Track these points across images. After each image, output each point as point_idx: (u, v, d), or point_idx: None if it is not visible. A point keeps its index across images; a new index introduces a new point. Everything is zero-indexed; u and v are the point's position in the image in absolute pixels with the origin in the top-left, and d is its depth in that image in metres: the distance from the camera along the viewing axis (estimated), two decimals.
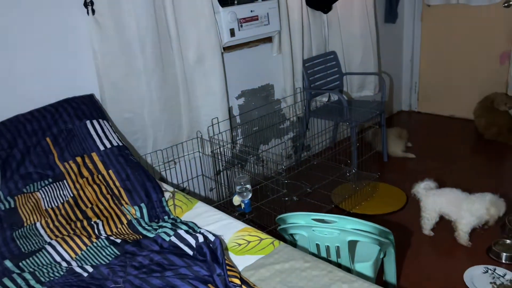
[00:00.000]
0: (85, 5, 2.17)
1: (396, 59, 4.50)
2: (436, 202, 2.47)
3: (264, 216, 2.48)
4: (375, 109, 3.36)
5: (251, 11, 2.82)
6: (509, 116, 3.71)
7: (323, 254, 1.74)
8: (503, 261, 2.27)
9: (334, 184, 3.11)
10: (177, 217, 1.76)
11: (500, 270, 2.18)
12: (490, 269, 2.20)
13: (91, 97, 2.21)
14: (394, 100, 4.57)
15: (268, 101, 3.30)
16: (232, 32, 2.74)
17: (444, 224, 2.56)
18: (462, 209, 2.38)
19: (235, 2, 2.74)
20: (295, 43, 3.21)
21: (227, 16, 2.69)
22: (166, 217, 1.77)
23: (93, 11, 2.19)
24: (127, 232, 1.68)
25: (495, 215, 2.32)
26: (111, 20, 2.24)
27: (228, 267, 1.31)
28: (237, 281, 1.26)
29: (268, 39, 3.16)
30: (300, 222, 1.77)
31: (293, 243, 1.87)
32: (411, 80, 4.61)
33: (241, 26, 2.79)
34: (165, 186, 2.02)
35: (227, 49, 2.88)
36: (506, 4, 3.78)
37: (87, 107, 2.12)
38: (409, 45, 4.49)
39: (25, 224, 1.71)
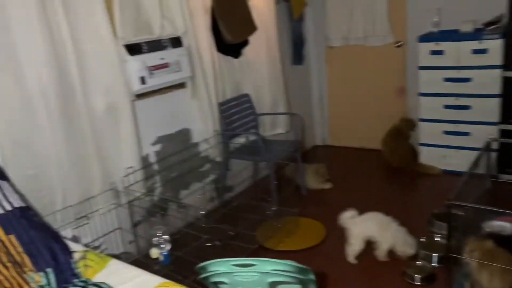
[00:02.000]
0: None
1: (307, 97, 4.76)
2: (366, 227, 2.60)
3: (186, 266, 2.40)
4: (290, 147, 3.49)
5: (161, 58, 2.83)
6: (410, 144, 4.05)
7: None
8: (417, 283, 2.40)
9: (258, 223, 3.13)
10: (88, 278, 1.64)
11: None
12: None
13: None
14: (308, 136, 4.79)
15: (186, 145, 3.28)
16: (142, 80, 2.73)
17: (363, 251, 2.66)
18: (389, 231, 2.56)
19: (144, 50, 2.73)
20: (210, 87, 3.27)
21: (136, 64, 2.67)
22: (76, 280, 1.64)
23: None
24: None
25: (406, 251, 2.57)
26: (8, 73, 2.12)
27: None
28: None
29: (181, 85, 3.18)
30: (221, 269, 1.74)
31: None
32: (322, 117, 4.88)
33: (152, 73, 2.78)
34: (74, 246, 1.88)
35: (139, 96, 2.84)
36: (397, 45, 4.21)
37: None
38: (317, 84, 4.78)
39: None
